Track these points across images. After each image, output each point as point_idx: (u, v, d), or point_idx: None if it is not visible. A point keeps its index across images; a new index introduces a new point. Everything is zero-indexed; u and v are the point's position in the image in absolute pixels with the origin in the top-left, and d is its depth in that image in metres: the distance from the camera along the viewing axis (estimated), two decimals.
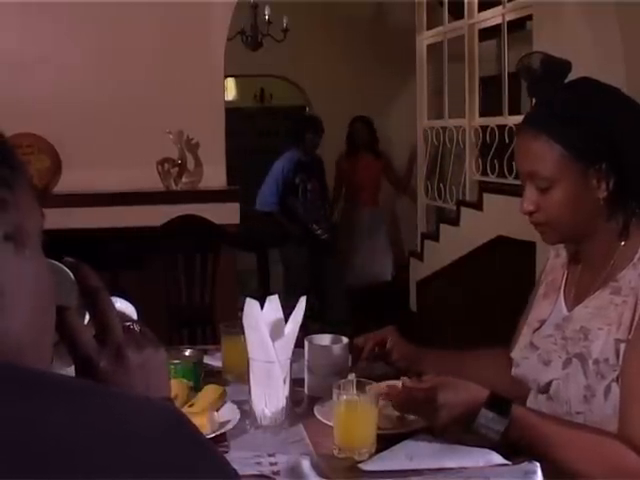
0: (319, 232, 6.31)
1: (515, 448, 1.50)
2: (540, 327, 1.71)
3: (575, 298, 1.66)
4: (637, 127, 1.57)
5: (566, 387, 1.58)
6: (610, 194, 1.54)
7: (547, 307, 1.73)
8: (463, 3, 6.28)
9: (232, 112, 6.55)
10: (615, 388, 1.50)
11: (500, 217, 5.67)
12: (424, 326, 5.42)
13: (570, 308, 1.66)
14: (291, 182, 6.27)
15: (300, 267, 6.35)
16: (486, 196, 5.81)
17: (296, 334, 1.73)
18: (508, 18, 5.68)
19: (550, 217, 1.59)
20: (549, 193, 1.57)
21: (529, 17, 5.50)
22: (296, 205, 6.33)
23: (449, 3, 6.63)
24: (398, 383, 1.75)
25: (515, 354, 1.78)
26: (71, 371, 0.88)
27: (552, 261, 1.81)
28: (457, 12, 6.49)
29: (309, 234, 6.30)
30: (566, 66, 1.63)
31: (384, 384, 1.76)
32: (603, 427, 1.50)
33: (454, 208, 6.29)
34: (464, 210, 6.17)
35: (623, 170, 1.53)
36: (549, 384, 1.62)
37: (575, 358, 1.57)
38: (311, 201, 6.33)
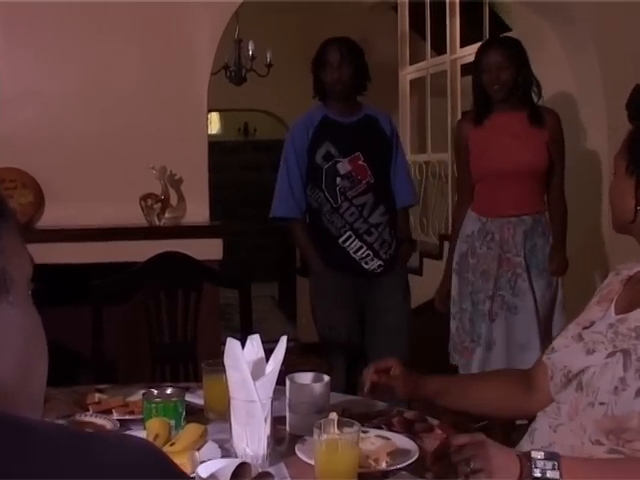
0: (365, 258, 3.55)
1: None
2: (590, 326, 1.75)
3: (628, 307, 1.70)
4: None
5: (601, 375, 1.60)
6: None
7: (599, 312, 1.77)
8: (445, 38, 6.35)
9: (216, 145, 6.57)
10: None
11: None
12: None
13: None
14: (310, 160, 3.58)
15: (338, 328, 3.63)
16: None
17: (277, 373, 1.73)
18: None
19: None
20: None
21: None
22: (317, 203, 3.56)
23: (432, 38, 6.71)
24: (385, 434, 1.76)
25: (557, 342, 1.81)
26: None
27: (611, 278, 1.86)
28: (439, 47, 6.56)
29: (343, 262, 3.52)
30: None
31: (372, 434, 1.76)
32: (624, 420, 1.52)
33: (437, 242, 6.30)
34: (447, 244, 6.18)
35: None
36: (582, 371, 1.64)
37: (620, 352, 1.59)
38: (345, 196, 3.52)
